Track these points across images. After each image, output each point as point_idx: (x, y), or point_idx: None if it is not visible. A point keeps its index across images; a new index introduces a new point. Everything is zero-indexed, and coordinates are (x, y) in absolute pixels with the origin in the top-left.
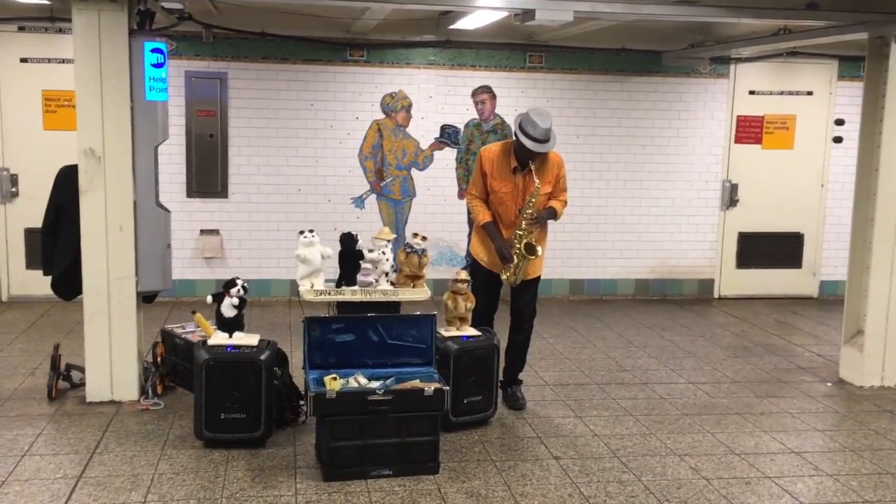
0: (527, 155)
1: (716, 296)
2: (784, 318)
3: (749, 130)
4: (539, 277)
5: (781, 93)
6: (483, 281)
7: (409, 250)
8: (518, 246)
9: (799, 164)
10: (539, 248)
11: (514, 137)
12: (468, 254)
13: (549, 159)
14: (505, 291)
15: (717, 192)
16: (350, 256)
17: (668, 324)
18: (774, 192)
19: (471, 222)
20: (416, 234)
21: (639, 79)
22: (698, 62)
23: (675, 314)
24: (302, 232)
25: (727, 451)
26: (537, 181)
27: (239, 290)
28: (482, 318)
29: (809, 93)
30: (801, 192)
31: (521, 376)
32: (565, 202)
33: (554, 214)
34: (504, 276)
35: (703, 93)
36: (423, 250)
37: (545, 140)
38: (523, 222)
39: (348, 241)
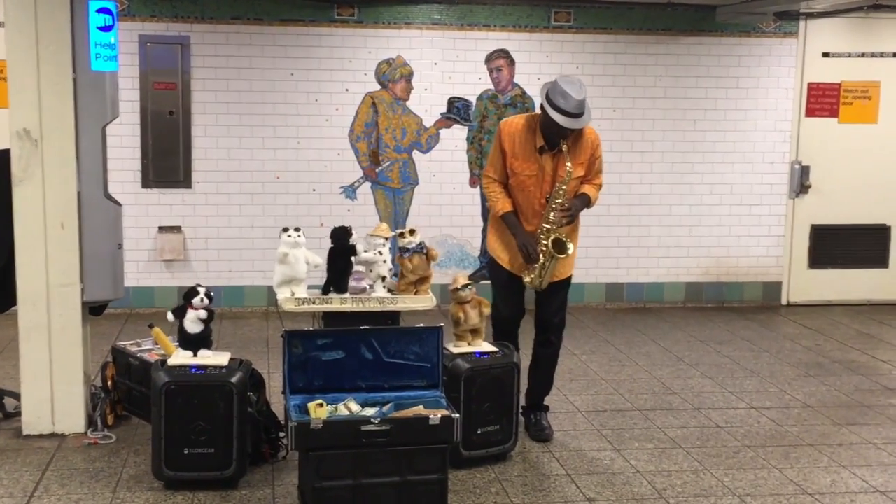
0: (556, 132)
1: (784, 302)
2: (867, 328)
3: (823, 101)
4: (569, 280)
5: (862, 55)
6: (503, 281)
7: (406, 254)
8: (545, 242)
9: (884, 142)
10: (570, 246)
11: (538, 110)
12: (482, 252)
13: (583, 136)
14: (528, 296)
15: (784, 177)
16: (341, 255)
17: (725, 336)
18: (854, 176)
19: (486, 214)
20: (402, 234)
21: (688, 39)
22: (760, 18)
23: (735, 325)
24: (286, 229)
25: (798, 491)
26: (569, 165)
27: (202, 300)
28: (506, 324)
29: None
30: (887, 176)
31: (547, 401)
32: (600, 186)
33: (588, 202)
34: (527, 279)
35: (767, 56)
36: (421, 245)
37: (579, 114)
38: (552, 214)
39: (341, 236)
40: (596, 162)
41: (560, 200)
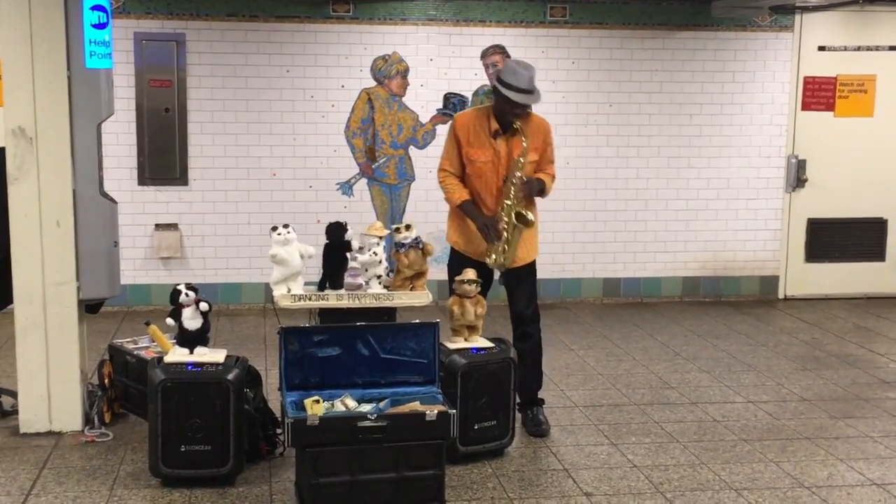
0: (510, 111)
1: (780, 296)
2: (864, 321)
3: (819, 95)
4: (534, 266)
5: (858, 48)
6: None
7: (402, 249)
8: (506, 219)
9: (880, 135)
10: (531, 216)
11: (493, 91)
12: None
13: (533, 121)
14: (501, 293)
15: (780, 171)
16: (337, 251)
17: (722, 331)
18: (851, 170)
19: None
20: (398, 229)
21: (684, 34)
22: (756, 12)
23: (732, 319)
24: (275, 228)
25: (795, 484)
26: (525, 141)
27: (188, 294)
28: None
29: (892, 48)
30: (883, 169)
31: (544, 396)
32: (553, 177)
33: (543, 188)
34: (490, 260)
35: (763, 50)
36: (417, 240)
37: (531, 90)
38: (511, 189)
39: (336, 231)
40: (548, 149)
41: (518, 174)
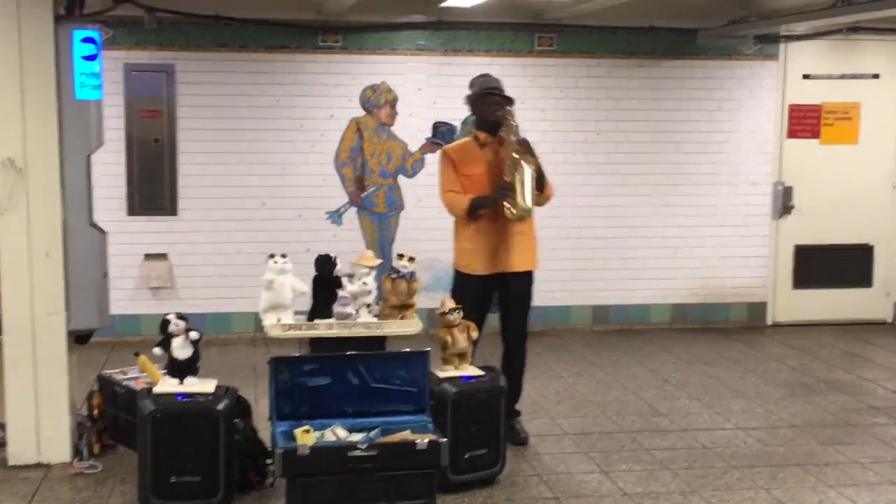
0: (490, 110)
1: (769, 322)
2: (852, 347)
3: (804, 122)
4: (532, 282)
5: (842, 76)
6: (473, 296)
7: (394, 275)
8: (510, 170)
9: (865, 162)
10: (533, 158)
11: (471, 110)
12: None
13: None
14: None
15: (767, 198)
16: (325, 284)
17: (712, 357)
18: (837, 196)
19: None
20: (401, 256)
21: (670, 63)
22: (741, 41)
23: (721, 345)
24: (272, 256)
25: None
26: (513, 120)
27: (177, 324)
28: None
29: (876, 76)
30: (868, 196)
31: (534, 424)
32: (550, 193)
33: (542, 175)
34: (514, 214)
35: (748, 78)
36: (412, 274)
37: (501, 88)
38: (510, 148)
39: (324, 264)
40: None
41: (512, 138)
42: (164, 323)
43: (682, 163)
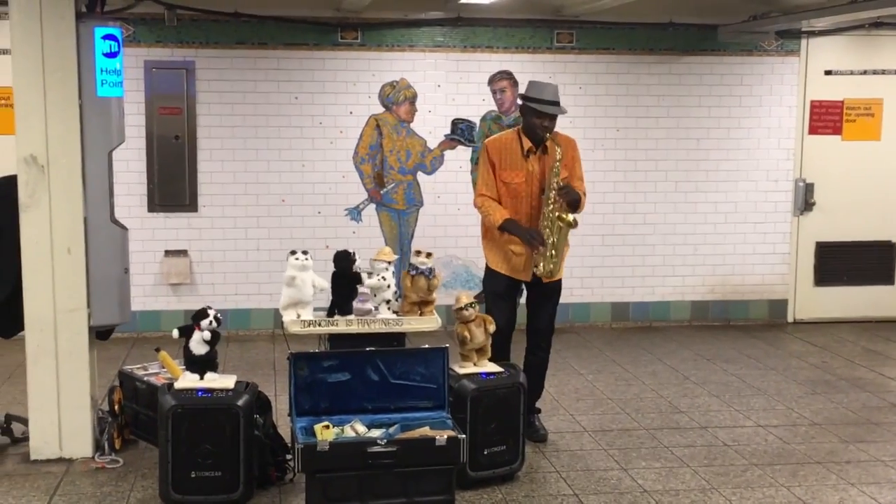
0: (539, 125)
1: (790, 319)
2: (874, 345)
3: (826, 119)
4: (560, 286)
5: (864, 72)
6: (501, 291)
7: (413, 272)
8: (548, 224)
9: (888, 158)
10: (573, 216)
11: (521, 112)
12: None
13: (560, 137)
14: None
15: (788, 194)
16: (345, 280)
17: (731, 355)
18: (858, 193)
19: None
20: (419, 252)
21: (690, 59)
22: (762, 37)
23: (741, 343)
24: (293, 252)
25: None
26: (558, 149)
27: (211, 322)
28: (499, 335)
29: None
30: (891, 193)
31: (553, 421)
32: (585, 193)
33: (578, 200)
34: (539, 269)
35: (769, 74)
36: (431, 270)
37: (556, 102)
38: (550, 196)
39: (343, 260)
40: (576, 165)
41: (556, 180)
42: (202, 314)
43: (703, 159)
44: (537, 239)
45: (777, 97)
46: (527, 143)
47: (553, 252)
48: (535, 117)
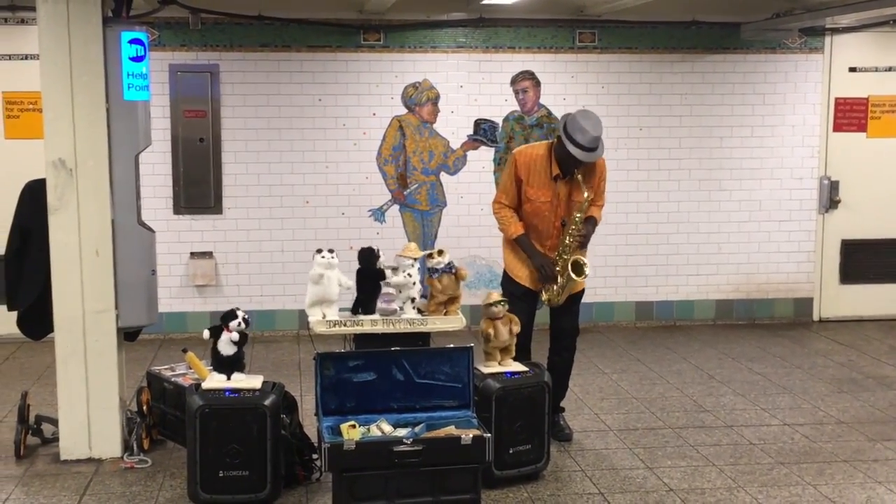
0: (571, 164)
1: (815, 318)
2: None
3: (850, 116)
4: (583, 291)
5: (889, 69)
6: (520, 294)
7: (435, 275)
8: (562, 264)
9: None
10: (587, 270)
11: (557, 139)
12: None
13: (594, 165)
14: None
15: (813, 192)
16: (369, 277)
17: (757, 353)
18: (884, 190)
19: None
20: (430, 255)
21: (713, 57)
22: (785, 34)
23: (766, 341)
24: (320, 251)
25: None
26: (586, 193)
27: (239, 324)
28: (520, 336)
29: None
30: None
31: (579, 420)
32: (602, 206)
33: (596, 224)
34: (545, 297)
35: (793, 71)
36: (450, 265)
37: (594, 148)
38: (568, 237)
39: (368, 257)
40: (601, 184)
41: (578, 218)
42: (230, 315)
43: (726, 157)
44: (548, 272)
45: (801, 95)
46: (555, 169)
47: (560, 290)
48: (570, 157)
